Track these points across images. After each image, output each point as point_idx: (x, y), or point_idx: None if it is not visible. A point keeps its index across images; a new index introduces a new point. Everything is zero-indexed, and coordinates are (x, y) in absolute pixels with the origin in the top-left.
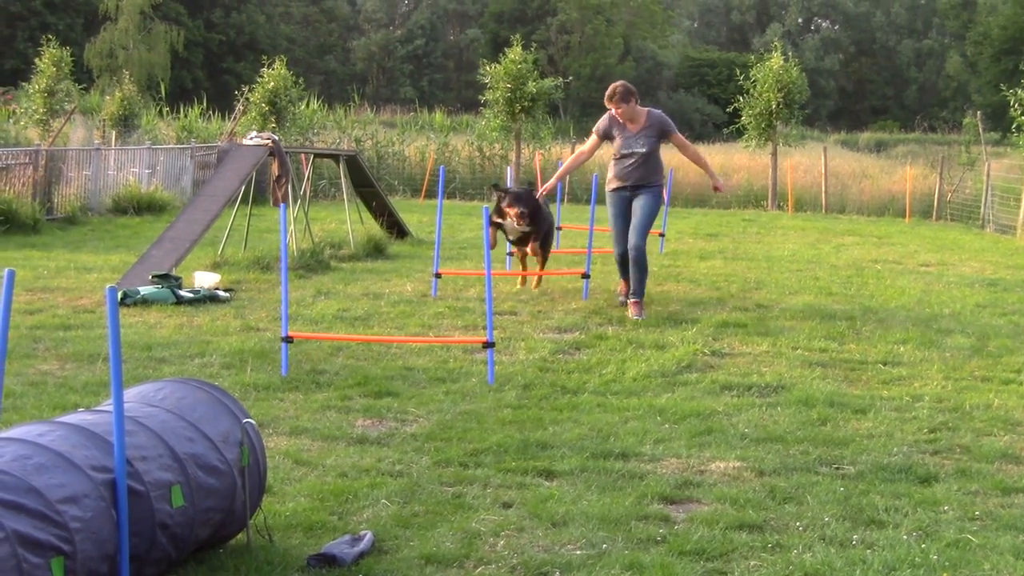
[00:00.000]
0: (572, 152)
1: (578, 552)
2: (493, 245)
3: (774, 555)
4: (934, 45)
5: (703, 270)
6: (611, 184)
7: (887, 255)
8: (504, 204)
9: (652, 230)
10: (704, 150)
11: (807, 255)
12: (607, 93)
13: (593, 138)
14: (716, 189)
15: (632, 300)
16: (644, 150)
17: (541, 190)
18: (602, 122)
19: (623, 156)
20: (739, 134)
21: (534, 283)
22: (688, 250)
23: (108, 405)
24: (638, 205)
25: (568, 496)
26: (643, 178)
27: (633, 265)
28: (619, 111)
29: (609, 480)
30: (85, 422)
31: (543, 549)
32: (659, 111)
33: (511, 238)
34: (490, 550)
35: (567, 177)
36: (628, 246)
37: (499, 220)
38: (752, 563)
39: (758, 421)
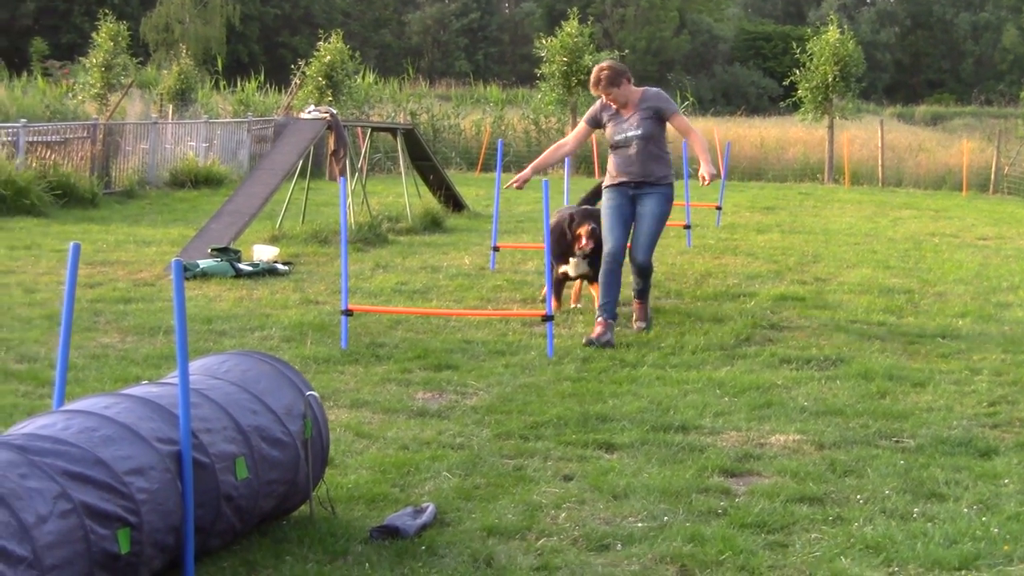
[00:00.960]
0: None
1: (639, 524)
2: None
3: (834, 528)
4: (991, 18)
5: (760, 243)
6: (610, 178)
7: (944, 228)
8: (573, 226)
9: (708, 204)
10: (760, 124)
11: (864, 228)
12: (591, 79)
13: (581, 126)
14: (703, 179)
15: (637, 302)
16: (639, 132)
17: (512, 181)
18: (592, 107)
19: (619, 146)
20: (795, 107)
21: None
22: (745, 223)
23: (172, 377)
24: (645, 211)
25: (629, 469)
26: (648, 172)
27: (638, 276)
28: (609, 97)
29: (669, 453)
30: (150, 394)
31: (604, 521)
32: (656, 88)
33: (577, 272)
34: (552, 522)
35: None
36: (634, 261)
37: (564, 267)
38: (813, 535)
39: (817, 394)
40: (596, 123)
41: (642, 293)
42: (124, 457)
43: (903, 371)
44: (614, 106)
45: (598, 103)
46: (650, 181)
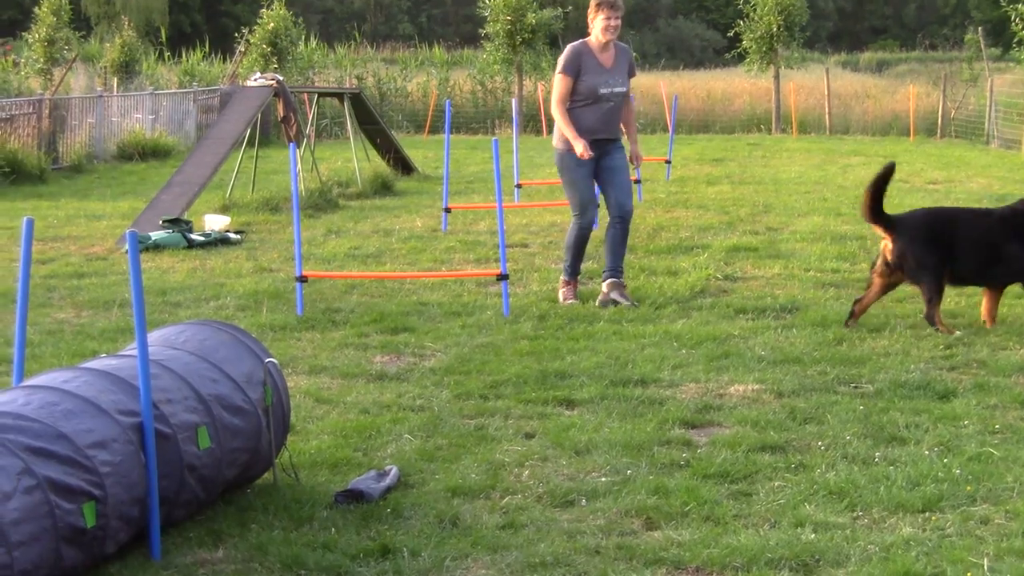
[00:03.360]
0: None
1: (603, 479)
2: None
3: (797, 475)
4: None
5: (711, 195)
6: (581, 136)
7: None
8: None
9: (657, 158)
10: (705, 77)
11: (814, 177)
12: (591, 5)
13: (566, 80)
14: (634, 159)
15: (615, 279)
16: (624, 89)
17: (584, 151)
18: (570, 58)
19: (600, 100)
20: (740, 59)
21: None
22: (695, 176)
23: (131, 350)
24: (618, 165)
25: (590, 424)
26: (616, 129)
27: (622, 236)
28: (612, 23)
29: (629, 407)
30: (110, 367)
31: (568, 477)
32: (624, 44)
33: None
34: (515, 480)
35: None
36: (624, 212)
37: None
38: (776, 483)
39: (774, 343)
40: (577, 72)
41: (619, 268)
42: (86, 431)
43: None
44: (596, 52)
45: (575, 52)
46: (614, 139)
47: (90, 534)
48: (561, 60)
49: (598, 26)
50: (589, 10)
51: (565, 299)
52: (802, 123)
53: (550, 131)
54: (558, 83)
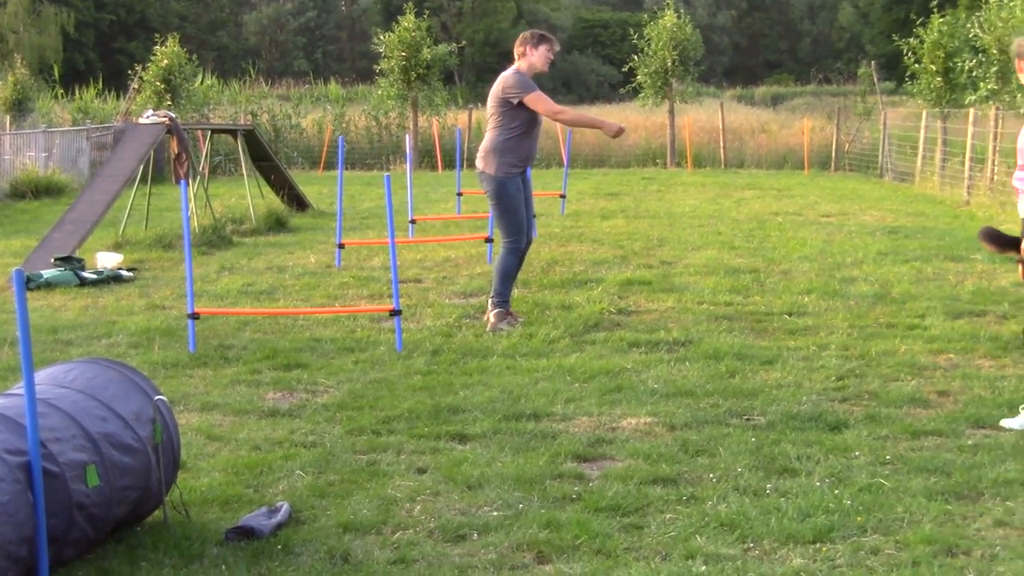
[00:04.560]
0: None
1: (495, 513)
2: None
3: (689, 507)
4: None
5: (605, 229)
6: (516, 165)
7: (788, 207)
8: None
9: (552, 192)
10: (599, 111)
11: (708, 210)
12: (551, 43)
13: (542, 94)
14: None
15: (501, 307)
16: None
17: (617, 129)
18: (531, 81)
19: (536, 125)
20: (635, 93)
21: None
22: (589, 210)
23: (19, 388)
24: (529, 191)
25: (482, 459)
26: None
27: (521, 259)
28: (552, 56)
29: (522, 441)
30: None
31: (459, 512)
32: None
33: None
34: (407, 515)
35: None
36: (529, 240)
37: None
38: (668, 516)
39: (667, 376)
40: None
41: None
42: None
43: (751, 350)
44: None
45: (526, 76)
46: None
47: None
48: (525, 82)
49: (540, 57)
50: (526, 42)
51: (510, 325)
52: (697, 157)
53: (446, 166)
54: (540, 96)
